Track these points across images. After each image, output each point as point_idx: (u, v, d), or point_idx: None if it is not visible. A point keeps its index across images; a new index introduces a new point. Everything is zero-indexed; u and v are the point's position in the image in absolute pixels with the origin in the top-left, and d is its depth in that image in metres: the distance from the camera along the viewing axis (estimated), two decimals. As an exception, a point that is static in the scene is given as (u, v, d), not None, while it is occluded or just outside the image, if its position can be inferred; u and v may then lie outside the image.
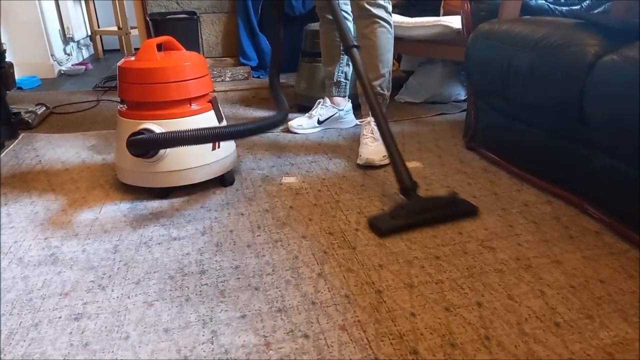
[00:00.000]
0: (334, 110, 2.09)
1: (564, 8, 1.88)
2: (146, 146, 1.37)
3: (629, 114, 1.09)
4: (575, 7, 1.89)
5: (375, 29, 1.78)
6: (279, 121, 1.58)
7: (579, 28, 1.33)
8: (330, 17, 1.96)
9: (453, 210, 1.34)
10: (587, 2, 1.90)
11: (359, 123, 1.89)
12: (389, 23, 1.80)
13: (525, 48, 1.41)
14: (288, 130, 2.08)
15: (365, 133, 1.78)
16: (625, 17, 1.48)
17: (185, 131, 1.29)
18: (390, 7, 1.80)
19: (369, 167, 1.68)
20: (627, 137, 1.15)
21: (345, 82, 2.10)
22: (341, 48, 2.00)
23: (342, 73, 2.09)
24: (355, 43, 1.59)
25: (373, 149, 1.71)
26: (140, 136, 1.35)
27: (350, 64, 2.07)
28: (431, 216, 1.31)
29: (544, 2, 1.86)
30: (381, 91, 1.85)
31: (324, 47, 2.09)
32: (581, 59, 1.23)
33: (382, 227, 1.26)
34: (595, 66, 1.19)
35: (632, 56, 1.10)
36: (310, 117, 2.10)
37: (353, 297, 1.01)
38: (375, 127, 1.74)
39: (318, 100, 2.13)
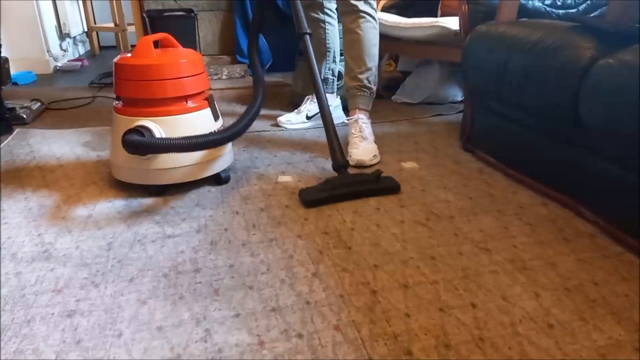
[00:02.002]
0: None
1: (560, 11, 1.89)
2: (140, 149, 1.36)
3: (624, 117, 1.09)
4: (572, 11, 1.90)
5: (361, 23, 1.81)
6: (259, 106, 1.62)
7: (574, 31, 1.33)
8: (315, 15, 2.02)
9: (376, 185, 1.46)
10: (584, 5, 1.91)
11: (346, 121, 1.90)
12: (374, 18, 1.84)
13: (522, 50, 1.41)
14: (277, 125, 2.13)
15: (353, 132, 1.79)
16: (621, 21, 1.49)
17: (181, 138, 1.32)
18: (375, 3, 1.83)
19: (360, 167, 1.69)
20: (621, 141, 1.15)
21: (333, 79, 2.15)
22: (327, 45, 2.07)
23: (329, 70, 2.13)
24: (308, 31, 1.65)
25: (362, 149, 1.73)
26: (136, 138, 1.34)
27: (337, 61, 2.14)
28: (355, 190, 1.44)
29: (540, 4, 1.87)
30: (368, 84, 1.85)
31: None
32: (577, 62, 1.23)
33: (307, 198, 1.40)
34: (591, 69, 1.19)
35: (627, 60, 1.11)
36: (298, 113, 2.15)
37: (348, 297, 1.01)
38: (364, 125, 1.80)
39: (307, 97, 2.17)
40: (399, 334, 0.91)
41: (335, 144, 1.52)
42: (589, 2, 1.91)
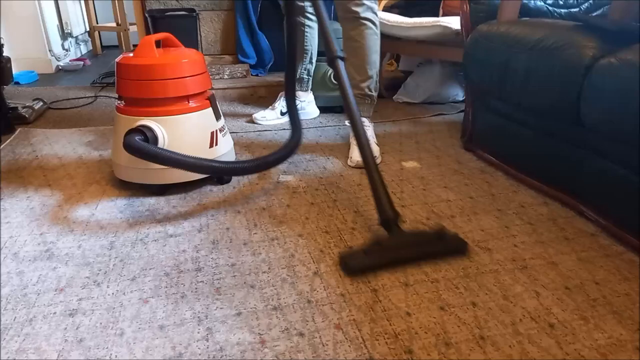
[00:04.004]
0: (296, 102, 2.14)
1: (562, 10, 1.89)
2: (140, 155, 1.31)
3: (626, 116, 1.09)
4: (574, 10, 1.89)
5: (362, 31, 1.78)
6: (285, 156, 1.53)
7: (576, 30, 1.33)
8: (298, 18, 2.05)
9: (439, 247, 1.16)
10: (586, 4, 1.91)
11: (347, 124, 1.95)
12: (375, 24, 1.80)
13: (523, 50, 1.41)
14: (252, 122, 2.19)
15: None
16: (624, 20, 1.48)
17: (186, 156, 1.29)
18: (376, 7, 1.80)
19: (360, 168, 1.68)
20: (623, 140, 1.15)
21: (308, 78, 2.21)
22: (305, 47, 2.11)
23: (305, 70, 2.18)
24: (340, 54, 1.39)
25: None
26: (140, 144, 1.31)
27: (313, 62, 2.18)
28: (412, 254, 1.13)
29: (542, 4, 1.87)
30: (369, 92, 1.85)
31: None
32: (579, 61, 1.23)
33: (351, 264, 1.09)
34: (593, 69, 1.19)
35: (629, 59, 1.11)
36: (273, 109, 2.20)
37: (349, 296, 1.01)
38: (365, 128, 1.75)
39: (280, 93, 2.23)
40: (400, 333, 0.91)
41: (381, 192, 1.22)
42: (591, 1, 1.91)
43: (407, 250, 1.14)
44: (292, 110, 1.69)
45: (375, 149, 1.76)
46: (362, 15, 1.75)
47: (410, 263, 1.11)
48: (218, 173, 1.50)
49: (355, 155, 1.70)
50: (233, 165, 1.47)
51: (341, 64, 1.39)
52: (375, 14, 1.80)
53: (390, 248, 1.14)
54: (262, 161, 1.47)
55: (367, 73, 1.82)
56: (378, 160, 1.73)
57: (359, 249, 1.13)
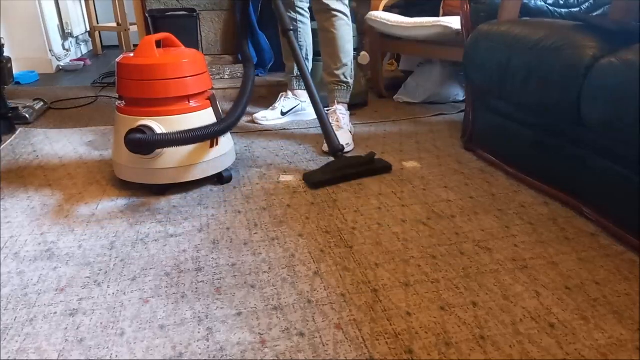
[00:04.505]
0: (296, 102, 2.21)
1: (563, 10, 1.89)
2: (143, 147, 1.36)
3: (626, 116, 1.09)
4: (574, 10, 1.89)
5: (334, 22, 1.89)
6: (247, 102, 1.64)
7: (577, 30, 1.33)
8: (287, 14, 2.05)
9: (372, 167, 1.62)
10: (586, 4, 1.91)
11: (325, 112, 1.98)
12: (347, 15, 1.92)
13: (524, 50, 1.41)
14: (253, 122, 2.19)
15: (331, 121, 1.86)
16: (624, 20, 1.48)
17: (182, 132, 1.33)
18: (347, 0, 1.91)
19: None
20: (624, 140, 1.15)
21: None
22: (299, 42, 2.13)
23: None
24: (290, 27, 1.73)
25: (338, 136, 1.79)
26: (139, 136, 1.34)
27: (309, 58, 2.21)
28: (353, 172, 1.58)
29: (543, 3, 1.87)
30: (344, 79, 1.97)
31: (284, 43, 2.19)
32: (579, 61, 1.23)
33: (313, 180, 1.53)
34: (593, 68, 1.19)
35: (630, 59, 1.10)
36: (273, 109, 2.21)
37: (349, 296, 1.01)
38: (341, 116, 1.91)
39: (281, 93, 2.25)
40: (400, 333, 0.91)
41: (330, 130, 1.66)
42: (591, 1, 1.91)
43: (349, 169, 1.60)
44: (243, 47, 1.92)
45: (348, 137, 1.86)
46: (333, 7, 1.87)
47: (351, 178, 1.58)
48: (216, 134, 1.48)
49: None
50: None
51: (292, 36, 1.73)
52: (346, 5, 1.92)
53: (338, 168, 1.60)
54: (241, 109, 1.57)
55: (342, 61, 1.94)
56: (350, 148, 1.84)
57: (316, 170, 1.61)
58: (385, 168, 1.64)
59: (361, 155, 1.67)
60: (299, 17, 2.10)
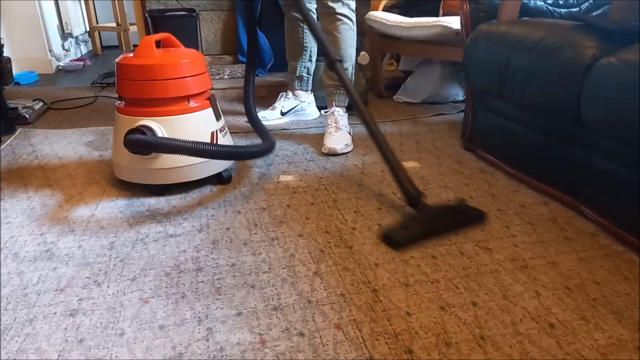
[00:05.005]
0: (296, 102, 2.21)
1: (562, 10, 1.89)
2: (142, 148, 1.36)
3: (626, 116, 1.09)
4: (574, 9, 1.90)
5: (338, 25, 1.88)
6: (268, 149, 1.61)
7: (576, 30, 1.33)
8: (294, 14, 2.08)
9: (464, 217, 1.31)
10: (586, 4, 1.91)
11: (323, 113, 2.06)
12: (352, 20, 1.91)
13: (524, 49, 1.41)
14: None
15: (329, 122, 1.91)
16: (623, 20, 1.48)
17: (184, 141, 1.30)
18: (353, 5, 1.89)
19: (332, 155, 1.79)
20: (623, 139, 1.15)
21: (308, 77, 2.22)
22: (304, 45, 2.14)
23: (304, 68, 2.19)
24: (338, 57, 1.56)
25: (336, 138, 1.83)
26: (139, 136, 1.34)
27: (312, 60, 2.20)
28: (444, 225, 1.26)
29: (542, 3, 1.87)
30: None
31: (288, 43, 2.19)
32: (579, 61, 1.23)
33: (397, 238, 1.19)
34: (593, 68, 1.19)
35: (629, 59, 1.11)
36: (273, 109, 2.21)
37: (349, 296, 1.01)
38: (339, 117, 1.91)
39: (281, 93, 2.24)
40: (400, 333, 0.91)
41: (401, 176, 1.33)
42: (591, 0, 1.91)
43: (438, 223, 1.26)
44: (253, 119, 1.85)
45: (347, 137, 1.86)
46: (338, 11, 1.86)
47: (443, 234, 1.24)
48: (216, 157, 1.47)
49: (328, 142, 1.81)
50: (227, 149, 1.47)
51: (340, 67, 1.53)
52: (352, 10, 1.90)
53: (424, 222, 1.26)
54: (259, 147, 1.54)
55: (343, 65, 1.90)
56: (349, 149, 1.83)
57: (398, 225, 1.25)
58: (479, 217, 1.32)
59: (450, 204, 1.39)
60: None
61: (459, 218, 1.30)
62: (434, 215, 1.29)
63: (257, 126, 1.82)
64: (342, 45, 1.90)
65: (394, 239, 1.19)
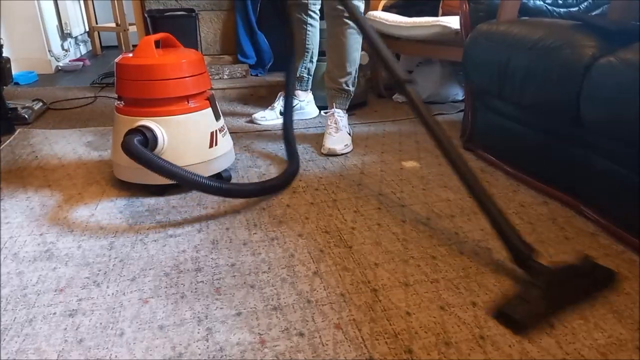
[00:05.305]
0: (295, 102, 2.20)
1: (561, 10, 1.89)
2: (137, 159, 1.26)
3: (626, 116, 1.09)
4: (573, 9, 1.90)
5: (345, 30, 1.87)
6: (282, 184, 1.52)
7: (576, 30, 1.33)
8: (299, 16, 2.06)
9: (591, 281, 1.04)
10: (585, 3, 1.91)
11: (323, 114, 2.06)
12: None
13: (523, 49, 1.41)
14: (252, 122, 2.20)
15: (329, 123, 1.91)
16: (623, 19, 1.48)
17: (185, 171, 1.25)
18: (362, 7, 1.86)
19: (332, 155, 1.80)
20: (623, 139, 1.15)
21: (308, 77, 2.22)
22: (306, 46, 2.13)
23: (305, 69, 2.19)
24: (407, 78, 1.28)
25: (336, 138, 1.83)
26: (139, 149, 1.27)
27: (314, 61, 2.19)
28: (570, 293, 1.00)
29: (542, 3, 1.87)
30: (346, 87, 1.97)
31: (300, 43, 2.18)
32: (578, 60, 1.23)
33: (517, 317, 0.92)
34: (592, 68, 1.19)
35: (628, 58, 1.11)
36: (272, 109, 2.21)
37: (348, 296, 1.01)
38: (339, 118, 1.91)
39: (280, 93, 2.24)
40: (400, 332, 0.91)
41: (507, 230, 1.08)
42: (590, 0, 1.91)
43: (562, 291, 1.00)
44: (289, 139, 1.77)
45: (347, 138, 1.87)
46: (346, 14, 1.83)
47: (571, 305, 0.98)
48: (207, 191, 1.36)
49: (328, 142, 1.82)
50: (222, 186, 1.36)
51: (412, 87, 1.27)
52: (361, 14, 1.82)
53: (544, 290, 0.98)
54: (256, 186, 1.45)
55: (347, 70, 1.93)
56: (348, 149, 1.83)
57: (514, 298, 0.97)
58: (609, 277, 1.05)
59: (573, 264, 1.08)
60: (310, 20, 2.09)
61: (586, 282, 1.03)
62: (555, 281, 1.01)
63: (289, 146, 1.74)
64: (348, 50, 1.89)
65: (514, 319, 0.92)
